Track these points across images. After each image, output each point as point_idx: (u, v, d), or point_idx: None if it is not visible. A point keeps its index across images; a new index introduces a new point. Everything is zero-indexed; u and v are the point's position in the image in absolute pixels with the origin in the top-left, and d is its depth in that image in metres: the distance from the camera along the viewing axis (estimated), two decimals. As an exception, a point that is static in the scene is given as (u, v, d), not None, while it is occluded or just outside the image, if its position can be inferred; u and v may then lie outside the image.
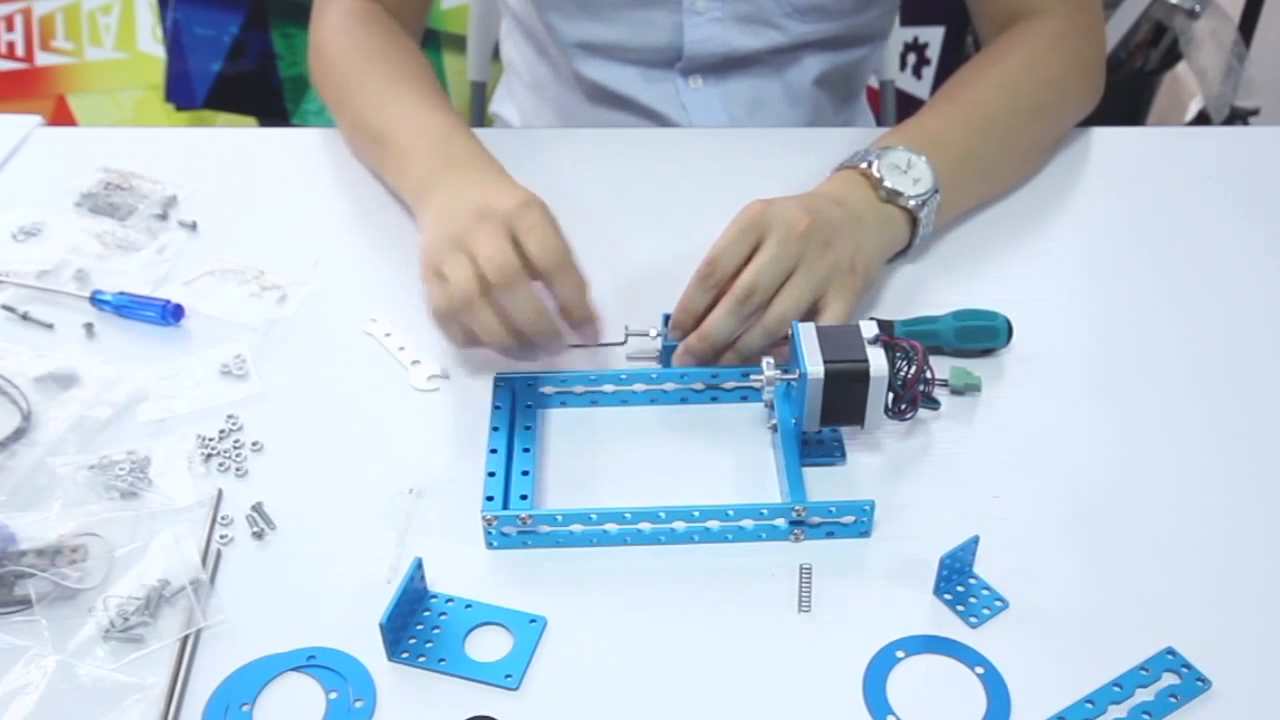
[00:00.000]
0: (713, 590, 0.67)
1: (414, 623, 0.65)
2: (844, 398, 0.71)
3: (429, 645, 0.64)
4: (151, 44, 2.12)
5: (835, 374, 0.70)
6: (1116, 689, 0.62)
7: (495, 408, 0.77)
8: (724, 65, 1.09)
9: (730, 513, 0.69)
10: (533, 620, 0.65)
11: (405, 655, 0.64)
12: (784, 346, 0.76)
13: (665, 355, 0.81)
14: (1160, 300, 0.88)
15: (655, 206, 0.97)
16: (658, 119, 1.12)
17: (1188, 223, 0.96)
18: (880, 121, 1.37)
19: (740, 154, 1.03)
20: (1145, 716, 0.61)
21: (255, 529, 0.71)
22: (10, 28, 2.12)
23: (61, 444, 0.76)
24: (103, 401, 0.79)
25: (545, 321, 0.75)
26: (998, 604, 0.66)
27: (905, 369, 0.72)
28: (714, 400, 0.79)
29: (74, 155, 1.03)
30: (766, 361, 0.73)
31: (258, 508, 0.72)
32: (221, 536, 0.70)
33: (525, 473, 0.73)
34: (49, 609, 0.66)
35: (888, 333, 0.72)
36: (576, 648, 0.65)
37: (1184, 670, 0.62)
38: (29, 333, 0.85)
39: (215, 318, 0.86)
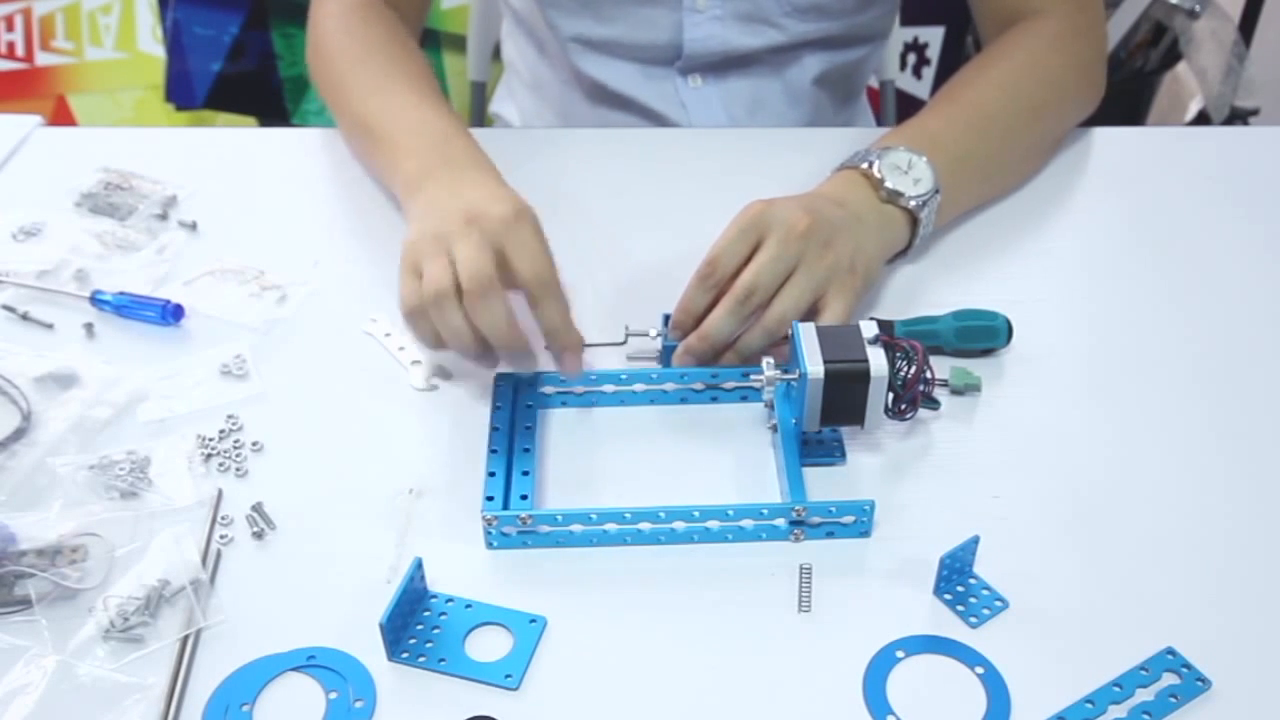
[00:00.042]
0: (713, 590, 0.67)
1: (414, 623, 0.65)
2: (844, 398, 0.71)
3: (429, 645, 0.64)
4: (151, 44, 2.12)
5: (835, 374, 0.70)
6: (1116, 689, 0.62)
7: (495, 408, 0.77)
8: (723, 64, 1.09)
9: (730, 513, 0.69)
10: (533, 620, 0.65)
11: (405, 655, 0.64)
12: (784, 346, 0.76)
13: (665, 355, 0.81)
14: (1160, 300, 0.88)
15: (655, 206, 0.97)
16: (657, 118, 1.12)
17: (1188, 223, 0.96)
18: (880, 121, 1.37)
19: (740, 154, 1.03)
20: (1145, 716, 0.61)
21: (255, 529, 0.71)
22: (10, 28, 2.12)
23: (61, 444, 0.76)
24: (103, 401, 0.79)
25: (512, 336, 0.74)
26: (998, 604, 0.66)
27: (905, 369, 0.72)
28: (714, 400, 0.79)
29: (74, 155, 1.03)
30: (766, 361, 0.73)
31: (258, 508, 0.72)
32: (221, 536, 0.70)
33: (525, 473, 0.73)
34: (49, 609, 0.66)
35: (888, 333, 0.72)
36: (576, 648, 0.64)
37: (1184, 670, 0.62)
38: (29, 333, 0.85)
39: (215, 318, 0.86)
